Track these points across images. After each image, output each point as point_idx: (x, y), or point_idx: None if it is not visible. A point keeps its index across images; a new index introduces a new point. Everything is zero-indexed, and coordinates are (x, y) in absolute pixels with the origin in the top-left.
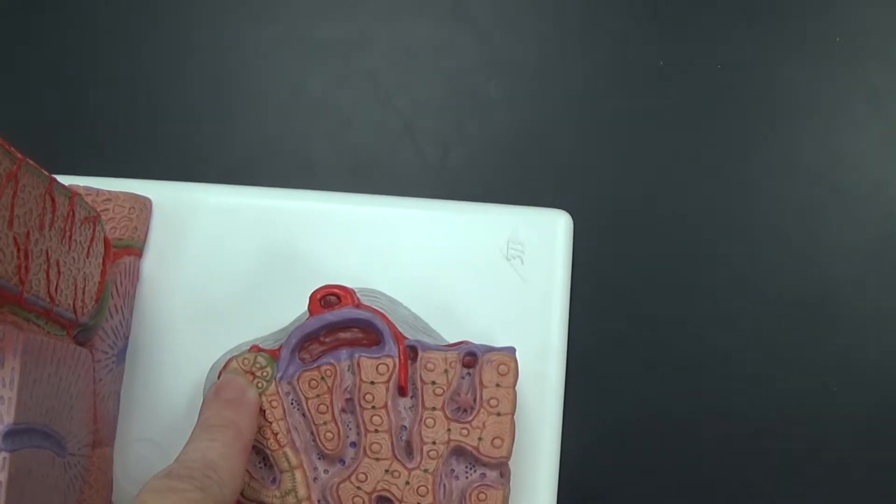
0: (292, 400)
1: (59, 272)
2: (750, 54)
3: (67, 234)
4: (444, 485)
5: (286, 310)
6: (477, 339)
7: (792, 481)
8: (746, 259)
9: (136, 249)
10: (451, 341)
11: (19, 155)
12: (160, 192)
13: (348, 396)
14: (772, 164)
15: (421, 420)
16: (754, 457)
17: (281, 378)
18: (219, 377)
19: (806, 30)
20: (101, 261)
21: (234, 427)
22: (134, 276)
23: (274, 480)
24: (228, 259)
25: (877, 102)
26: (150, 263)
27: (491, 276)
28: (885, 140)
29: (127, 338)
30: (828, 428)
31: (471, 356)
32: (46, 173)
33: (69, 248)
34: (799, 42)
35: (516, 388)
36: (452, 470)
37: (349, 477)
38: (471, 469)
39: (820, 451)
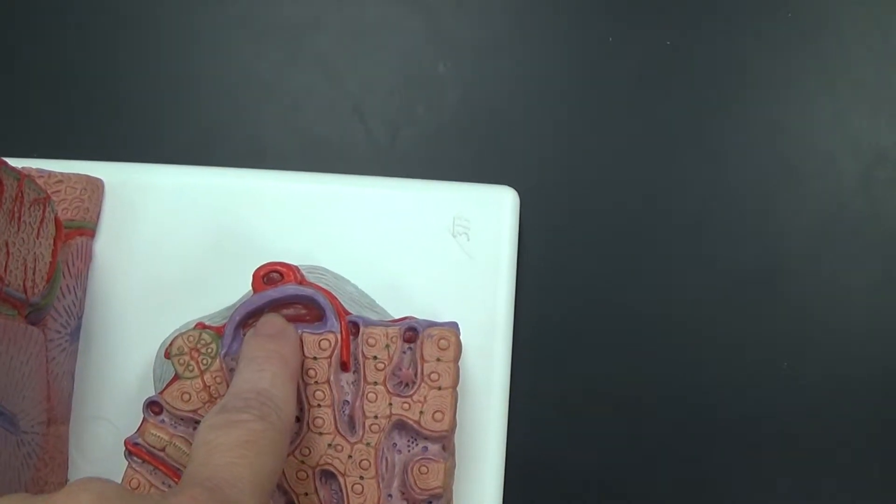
0: None
1: (8, 253)
2: (700, 29)
3: (16, 215)
4: (387, 458)
5: (237, 288)
6: (423, 315)
7: (743, 455)
8: (696, 234)
9: (88, 230)
10: (397, 317)
11: None
12: (112, 173)
13: None
14: (722, 139)
15: (363, 395)
16: (704, 431)
17: (225, 354)
18: (165, 356)
19: (757, 4)
20: (51, 241)
21: (279, 356)
22: (86, 256)
23: None
24: (180, 238)
25: (827, 77)
26: (103, 244)
27: (437, 252)
28: (836, 115)
29: (80, 317)
30: (778, 403)
31: (412, 331)
32: None
33: (18, 229)
34: (750, 17)
35: (460, 363)
36: (395, 444)
37: (293, 451)
38: (413, 443)
39: (771, 426)
